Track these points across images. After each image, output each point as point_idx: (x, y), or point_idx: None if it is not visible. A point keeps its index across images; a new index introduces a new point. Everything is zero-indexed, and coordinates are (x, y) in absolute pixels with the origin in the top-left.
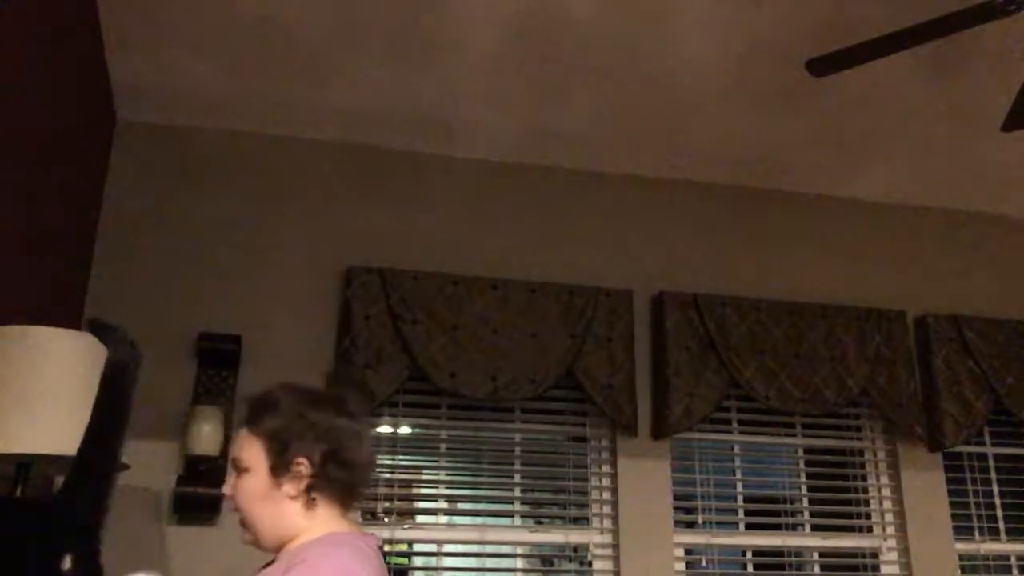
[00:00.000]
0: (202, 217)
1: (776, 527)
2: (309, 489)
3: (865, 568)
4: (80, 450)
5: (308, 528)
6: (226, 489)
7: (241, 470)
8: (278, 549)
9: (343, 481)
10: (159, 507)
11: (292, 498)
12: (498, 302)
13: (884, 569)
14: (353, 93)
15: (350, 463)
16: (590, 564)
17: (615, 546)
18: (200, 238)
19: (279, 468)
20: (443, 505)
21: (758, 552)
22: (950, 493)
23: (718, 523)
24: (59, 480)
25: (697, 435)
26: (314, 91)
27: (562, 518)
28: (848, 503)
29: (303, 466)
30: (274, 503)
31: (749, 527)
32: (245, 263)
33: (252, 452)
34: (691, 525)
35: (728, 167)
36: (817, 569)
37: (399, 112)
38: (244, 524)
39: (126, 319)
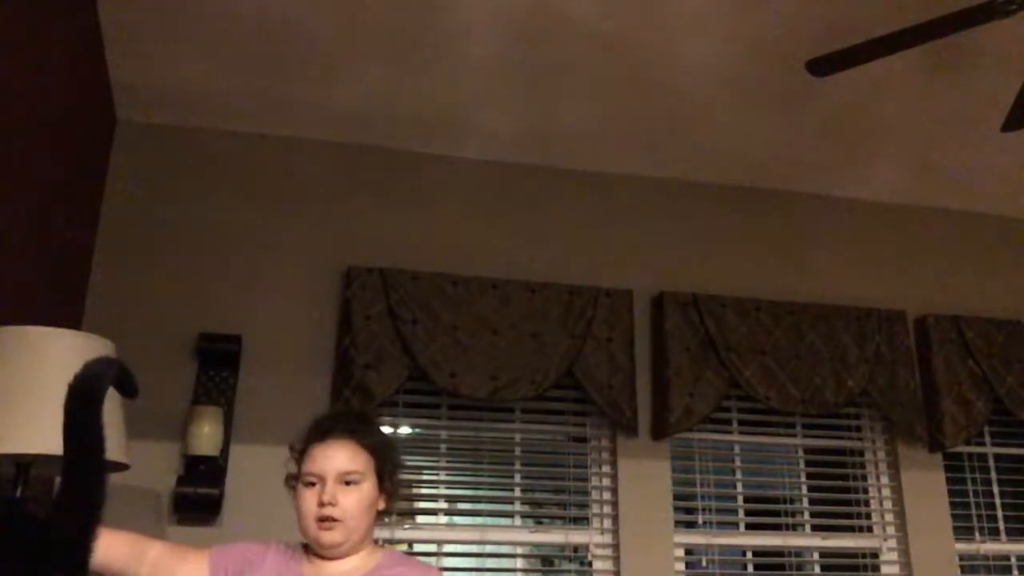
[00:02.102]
0: (202, 217)
1: (776, 527)
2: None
3: (865, 568)
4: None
5: (370, 539)
6: (331, 498)
7: (353, 481)
8: (348, 554)
9: (395, 506)
10: (159, 507)
11: (380, 512)
12: (498, 302)
13: (884, 569)
14: (353, 93)
15: (400, 492)
16: (590, 564)
17: (615, 546)
18: (200, 238)
19: (384, 483)
20: (443, 505)
21: (758, 552)
22: (950, 493)
23: (718, 523)
24: (59, 481)
25: (697, 435)
26: (314, 91)
27: (562, 518)
28: (848, 503)
29: (393, 485)
30: (372, 513)
31: (749, 527)
32: (245, 263)
33: (363, 464)
34: (691, 525)
35: (728, 167)
36: (817, 569)
37: (399, 112)
38: (338, 528)
39: (126, 319)
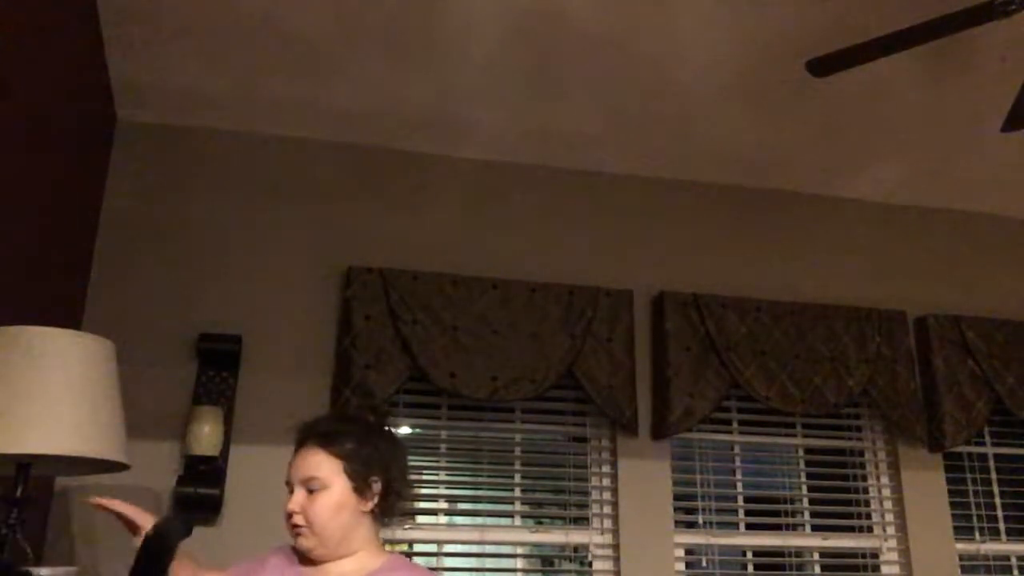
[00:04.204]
0: (202, 217)
1: (776, 527)
2: (375, 507)
3: (865, 568)
4: None
5: (366, 540)
6: (294, 506)
7: (317, 488)
8: (337, 557)
9: (395, 504)
10: (159, 507)
11: (363, 513)
12: (498, 302)
13: (884, 569)
14: (353, 93)
15: (402, 488)
16: (590, 564)
17: (615, 546)
18: (200, 238)
19: (360, 486)
20: (443, 505)
21: (758, 552)
22: (950, 493)
23: (718, 523)
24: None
25: (697, 435)
26: (314, 91)
27: (562, 518)
28: (848, 503)
29: (377, 485)
30: (351, 516)
31: (749, 527)
32: (245, 263)
33: (329, 471)
34: (691, 525)
35: (728, 167)
36: (817, 569)
37: (399, 112)
38: (306, 534)
39: (126, 319)
